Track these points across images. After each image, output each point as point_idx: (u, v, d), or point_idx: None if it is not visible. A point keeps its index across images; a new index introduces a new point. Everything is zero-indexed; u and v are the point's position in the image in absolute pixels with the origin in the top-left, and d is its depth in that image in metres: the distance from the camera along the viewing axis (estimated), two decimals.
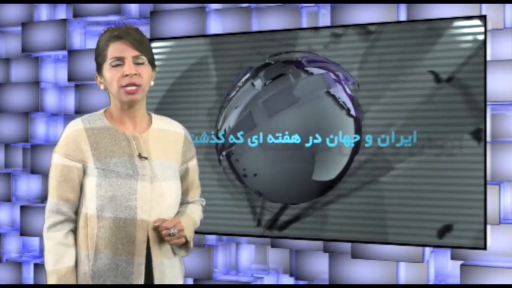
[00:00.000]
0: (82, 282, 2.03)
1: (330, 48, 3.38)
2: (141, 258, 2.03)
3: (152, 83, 2.13)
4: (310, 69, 3.40)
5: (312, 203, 3.42)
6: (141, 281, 2.03)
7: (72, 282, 2.01)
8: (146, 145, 2.10)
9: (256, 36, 3.56)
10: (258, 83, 3.46)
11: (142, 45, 2.07)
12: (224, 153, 3.56)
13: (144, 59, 2.07)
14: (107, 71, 2.06)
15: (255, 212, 3.49)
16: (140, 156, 2.07)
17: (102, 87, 2.11)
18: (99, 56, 2.09)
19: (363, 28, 3.32)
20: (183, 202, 2.22)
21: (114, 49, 2.05)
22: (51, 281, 2.01)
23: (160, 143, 2.13)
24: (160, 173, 2.08)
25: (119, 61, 2.04)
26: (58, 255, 2.02)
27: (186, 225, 2.11)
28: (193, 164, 2.24)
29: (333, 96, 3.35)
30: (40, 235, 4.18)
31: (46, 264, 2.04)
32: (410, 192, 3.22)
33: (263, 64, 3.51)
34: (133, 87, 2.04)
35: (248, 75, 3.53)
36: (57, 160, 2.06)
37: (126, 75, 2.03)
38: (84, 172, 2.05)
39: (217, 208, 3.61)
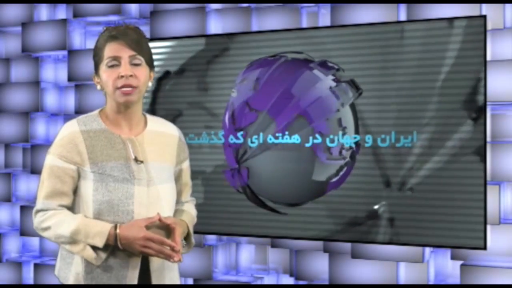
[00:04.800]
0: (74, 282, 2.02)
1: (330, 48, 3.38)
2: (135, 261, 2.02)
3: (150, 84, 2.11)
4: (317, 72, 3.40)
5: (312, 203, 3.41)
6: (134, 283, 2.03)
7: (91, 222, 1.98)
8: (142, 147, 2.08)
9: (256, 36, 3.56)
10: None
11: (139, 45, 2.05)
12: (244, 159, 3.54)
13: (141, 59, 2.05)
14: (103, 71, 2.04)
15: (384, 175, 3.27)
16: (136, 160, 2.06)
17: (98, 87, 2.09)
18: (96, 56, 2.08)
19: (363, 28, 3.32)
20: (177, 202, 2.23)
21: (110, 49, 2.03)
22: (92, 240, 1.96)
23: (155, 146, 2.11)
24: (156, 176, 2.07)
25: (115, 61, 2.02)
26: (59, 221, 2.00)
27: (188, 221, 2.18)
28: (186, 165, 2.24)
29: (334, 97, 3.35)
30: (40, 235, 4.18)
31: (63, 242, 2.01)
32: (410, 192, 3.21)
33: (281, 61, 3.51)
34: (129, 88, 2.01)
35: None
36: (51, 161, 2.04)
37: (122, 76, 2.00)
38: (79, 175, 2.03)
39: (217, 208, 3.61)
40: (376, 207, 3.29)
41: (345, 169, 3.33)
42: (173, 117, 3.67)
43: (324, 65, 3.37)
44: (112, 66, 2.02)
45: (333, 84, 3.34)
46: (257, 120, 3.48)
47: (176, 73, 3.73)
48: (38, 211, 2.06)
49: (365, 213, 3.31)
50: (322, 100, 3.35)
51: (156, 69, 3.71)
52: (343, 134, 3.32)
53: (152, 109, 3.73)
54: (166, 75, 3.75)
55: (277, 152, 3.46)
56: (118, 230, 1.95)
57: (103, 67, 2.04)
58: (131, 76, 2.01)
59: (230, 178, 3.57)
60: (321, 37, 3.40)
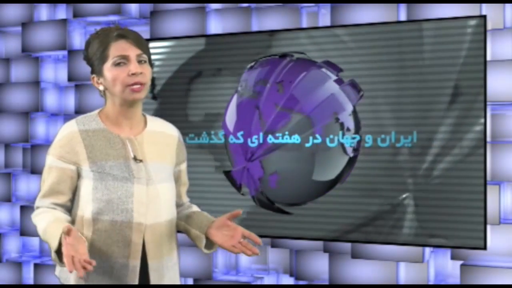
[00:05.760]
0: (75, 282, 2.03)
1: (330, 48, 3.38)
2: (135, 261, 2.02)
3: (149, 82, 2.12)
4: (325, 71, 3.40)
5: (312, 203, 3.41)
6: (135, 283, 2.03)
7: (59, 226, 1.91)
8: (141, 147, 2.08)
9: (256, 36, 3.56)
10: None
11: (142, 43, 2.06)
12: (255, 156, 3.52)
13: (145, 57, 2.05)
14: (109, 70, 2.02)
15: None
16: (135, 159, 2.06)
17: (101, 87, 2.06)
18: (99, 57, 2.04)
19: (363, 28, 3.32)
20: (180, 204, 2.25)
21: (117, 48, 2.02)
22: (50, 242, 1.91)
23: (154, 146, 2.11)
24: (155, 175, 2.07)
25: (124, 60, 2.01)
26: (40, 220, 2.01)
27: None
28: (184, 166, 2.25)
29: (334, 96, 3.35)
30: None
31: (39, 232, 2.01)
32: (410, 192, 3.21)
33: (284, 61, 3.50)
34: (139, 86, 2.01)
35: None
36: (51, 162, 2.05)
37: (133, 74, 2.00)
38: (79, 175, 2.04)
39: (217, 208, 3.61)
40: (375, 207, 3.29)
41: (347, 168, 3.34)
42: (173, 117, 3.66)
43: (329, 65, 3.37)
44: (119, 65, 2.01)
45: (337, 85, 3.34)
46: (291, 120, 3.44)
47: (212, 73, 3.68)
48: (36, 208, 2.10)
49: (365, 213, 3.31)
50: (335, 97, 3.35)
51: (156, 69, 3.71)
52: (358, 130, 3.32)
53: (152, 109, 3.73)
54: (166, 75, 3.74)
55: (293, 152, 3.46)
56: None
57: (107, 66, 2.02)
58: (140, 73, 2.02)
59: (238, 178, 3.56)
60: (321, 37, 3.40)
